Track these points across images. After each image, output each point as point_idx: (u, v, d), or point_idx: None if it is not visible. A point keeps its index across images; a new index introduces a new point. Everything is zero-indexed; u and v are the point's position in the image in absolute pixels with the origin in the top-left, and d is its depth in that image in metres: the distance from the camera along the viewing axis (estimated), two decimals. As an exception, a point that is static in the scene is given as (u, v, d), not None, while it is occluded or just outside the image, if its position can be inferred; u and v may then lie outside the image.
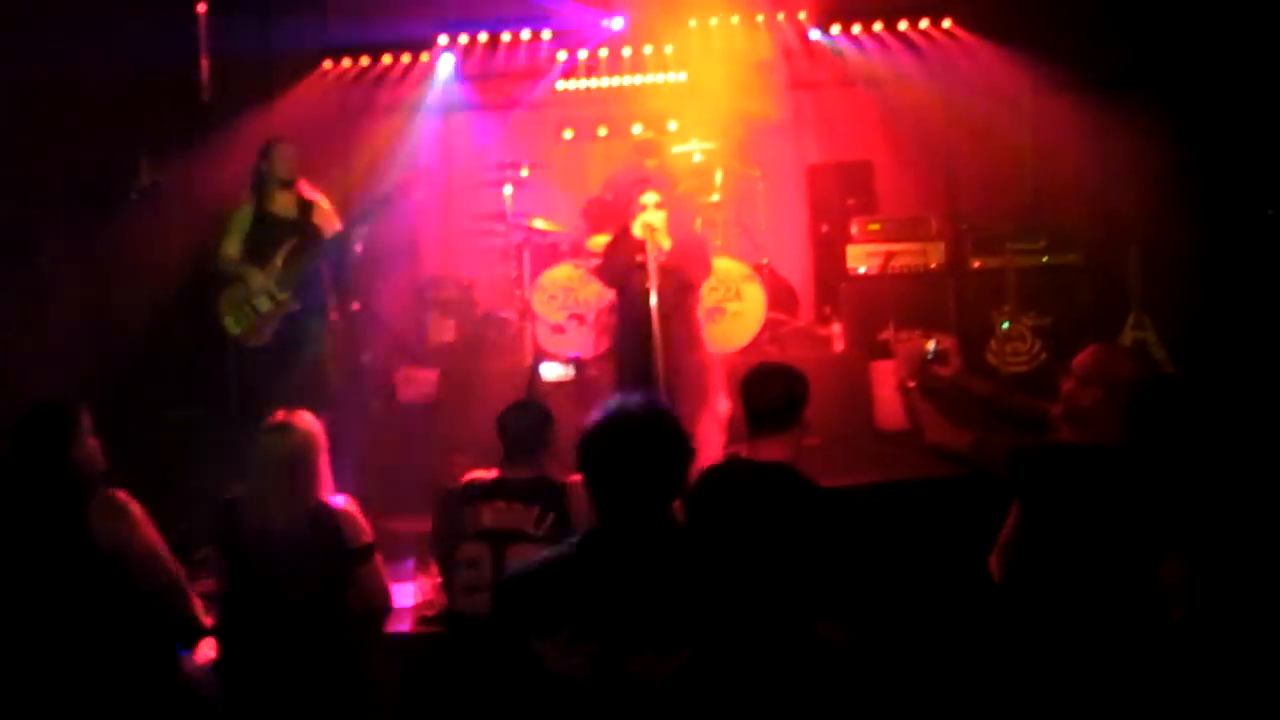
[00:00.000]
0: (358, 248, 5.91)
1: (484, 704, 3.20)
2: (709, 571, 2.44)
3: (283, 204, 5.84)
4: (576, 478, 3.78)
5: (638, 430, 2.44)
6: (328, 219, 5.89)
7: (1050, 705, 3.09)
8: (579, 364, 4.10)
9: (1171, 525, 3.17)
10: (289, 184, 5.84)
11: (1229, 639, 3.51)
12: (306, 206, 5.87)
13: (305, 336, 5.82)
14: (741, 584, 2.44)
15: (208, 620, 3.81)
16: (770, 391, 3.51)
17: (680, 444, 2.47)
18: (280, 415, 3.79)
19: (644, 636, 2.31)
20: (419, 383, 6.93)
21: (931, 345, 3.55)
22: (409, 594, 4.47)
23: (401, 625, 4.19)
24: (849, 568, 3.37)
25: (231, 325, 5.80)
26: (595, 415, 2.51)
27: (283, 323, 5.77)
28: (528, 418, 3.95)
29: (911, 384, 3.49)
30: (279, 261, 5.73)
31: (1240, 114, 6.14)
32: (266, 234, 5.79)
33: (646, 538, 2.41)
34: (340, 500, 3.78)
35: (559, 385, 4.05)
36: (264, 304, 5.75)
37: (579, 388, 4.42)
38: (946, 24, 8.06)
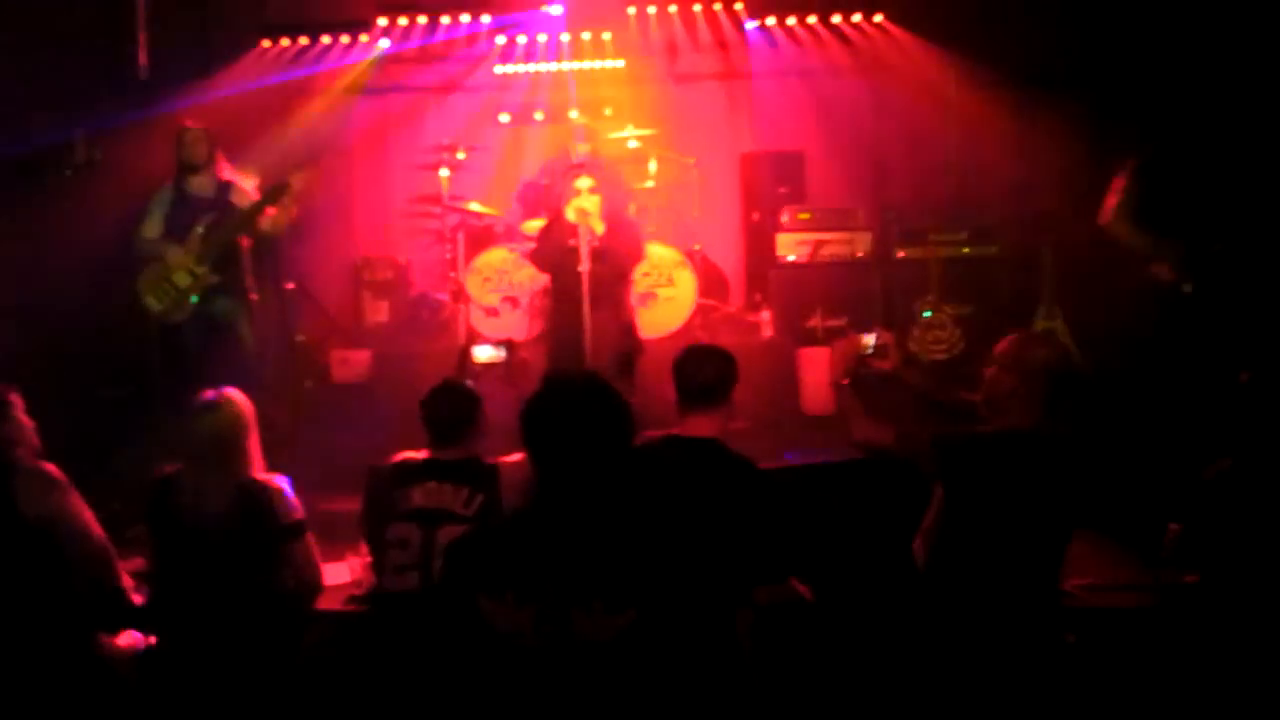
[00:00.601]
0: (282, 214, 5.95)
1: (430, 669, 3.29)
2: (652, 534, 2.54)
3: (199, 184, 5.95)
4: (506, 459, 3.86)
5: (580, 398, 2.55)
6: (245, 198, 5.97)
7: (962, 685, 3.23)
8: (510, 346, 4.15)
9: (1079, 506, 3.33)
10: (202, 167, 5.95)
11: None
12: (224, 186, 5.97)
13: (224, 313, 5.91)
14: (681, 548, 2.54)
15: (137, 598, 3.85)
16: (705, 369, 3.65)
17: (622, 413, 2.57)
18: (210, 393, 3.83)
19: (591, 594, 2.38)
20: (353, 363, 6.98)
21: (870, 339, 3.62)
22: (340, 573, 4.52)
23: (330, 604, 4.24)
24: (780, 538, 3.53)
25: (153, 303, 5.88)
26: (539, 386, 2.63)
27: (203, 298, 5.84)
28: (452, 404, 3.95)
29: (845, 381, 3.58)
30: (197, 237, 5.81)
31: (1151, 117, 6.37)
32: (184, 213, 5.89)
33: (590, 502, 2.50)
34: (272, 478, 3.83)
35: (490, 366, 4.10)
36: (183, 279, 5.82)
37: (510, 369, 4.51)
38: (878, 19, 8.17)
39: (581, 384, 2.63)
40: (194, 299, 5.83)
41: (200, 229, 5.82)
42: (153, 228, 5.92)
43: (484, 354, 4.21)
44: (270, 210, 5.88)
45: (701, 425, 3.63)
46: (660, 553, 2.50)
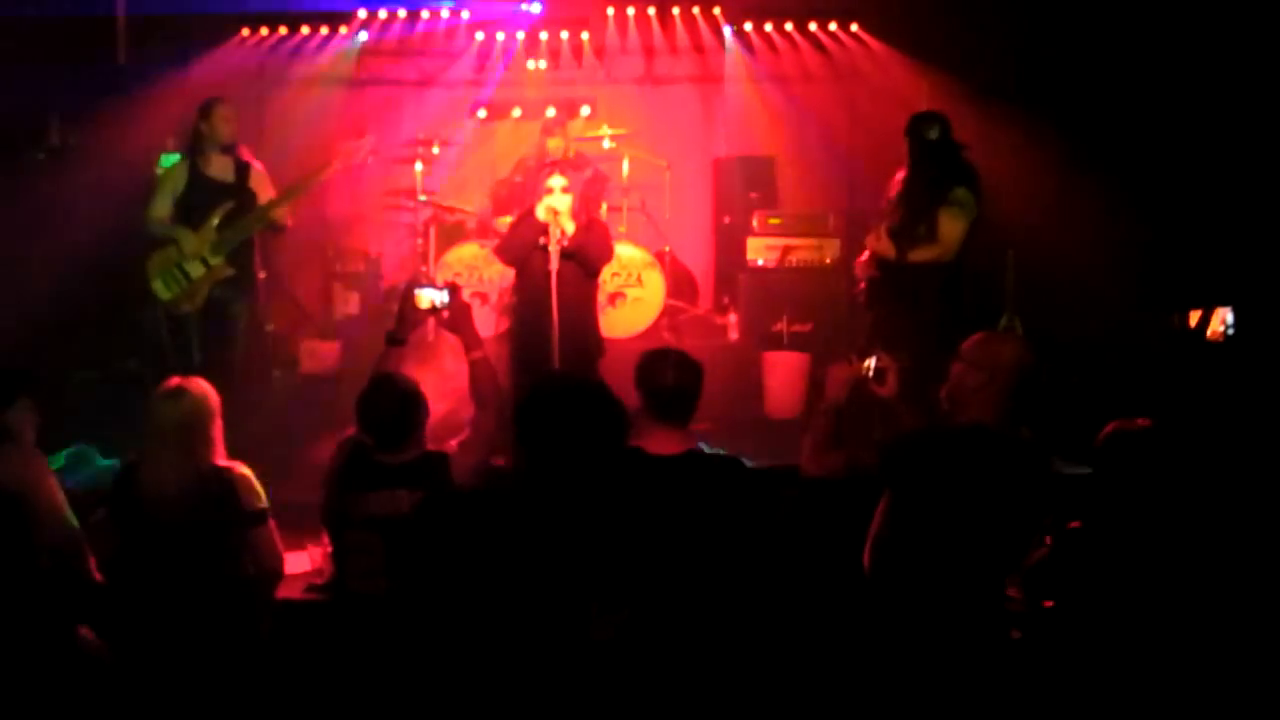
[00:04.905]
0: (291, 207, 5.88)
1: (407, 667, 3.31)
2: (645, 535, 2.58)
3: (220, 167, 5.72)
4: (452, 446, 3.84)
5: (577, 398, 2.57)
6: (264, 185, 5.81)
7: (913, 689, 3.24)
8: (453, 288, 4.06)
9: (1031, 508, 3.35)
10: (228, 148, 5.73)
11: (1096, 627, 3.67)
12: (244, 170, 5.75)
13: (232, 306, 5.77)
14: (673, 552, 2.60)
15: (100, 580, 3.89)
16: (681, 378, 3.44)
17: (620, 418, 2.60)
18: (175, 381, 3.85)
19: (588, 594, 2.40)
20: (321, 355, 7.00)
21: (870, 363, 3.52)
22: (300, 561, 4.52)
23: (290, 592, 4.27)
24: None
25: (160, 290, 5.66)
26: (537, 384, 2.68)
27: (214, 290, 5.68)
28: (392, 410, 3.82)
29: (822, 406, 3.55)
30: (214, 225, 5.60)
31: (1116, 131, 6.50)
32: (201, 197, 5.65)
33: (586, 499, 2.51)
34: (236, 465, 3.85)
35: (433, 310, 4.01)
36: (196, 269, 5.62)
37: (454, 313, 4.36)
38: (854, 28, 8.26)
39: (579, 384, 2.68)
40: (205, 291, 5.63)
41: (217, 217, 5.58)
42: (162, 207, 5.65)
43: (427, 298, 4.12)
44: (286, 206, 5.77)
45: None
46: (654, 554, 2.54)
